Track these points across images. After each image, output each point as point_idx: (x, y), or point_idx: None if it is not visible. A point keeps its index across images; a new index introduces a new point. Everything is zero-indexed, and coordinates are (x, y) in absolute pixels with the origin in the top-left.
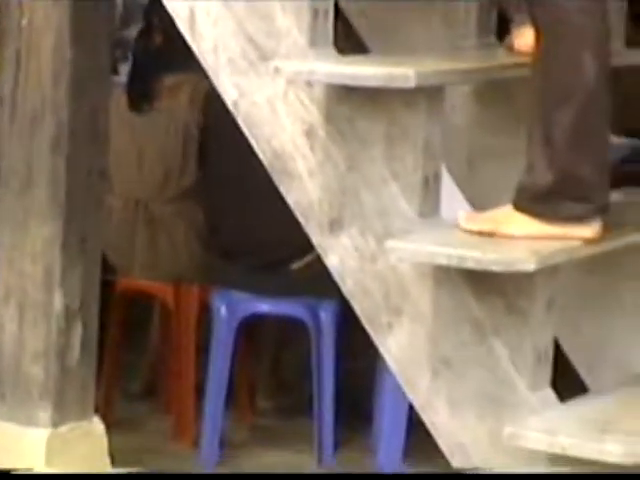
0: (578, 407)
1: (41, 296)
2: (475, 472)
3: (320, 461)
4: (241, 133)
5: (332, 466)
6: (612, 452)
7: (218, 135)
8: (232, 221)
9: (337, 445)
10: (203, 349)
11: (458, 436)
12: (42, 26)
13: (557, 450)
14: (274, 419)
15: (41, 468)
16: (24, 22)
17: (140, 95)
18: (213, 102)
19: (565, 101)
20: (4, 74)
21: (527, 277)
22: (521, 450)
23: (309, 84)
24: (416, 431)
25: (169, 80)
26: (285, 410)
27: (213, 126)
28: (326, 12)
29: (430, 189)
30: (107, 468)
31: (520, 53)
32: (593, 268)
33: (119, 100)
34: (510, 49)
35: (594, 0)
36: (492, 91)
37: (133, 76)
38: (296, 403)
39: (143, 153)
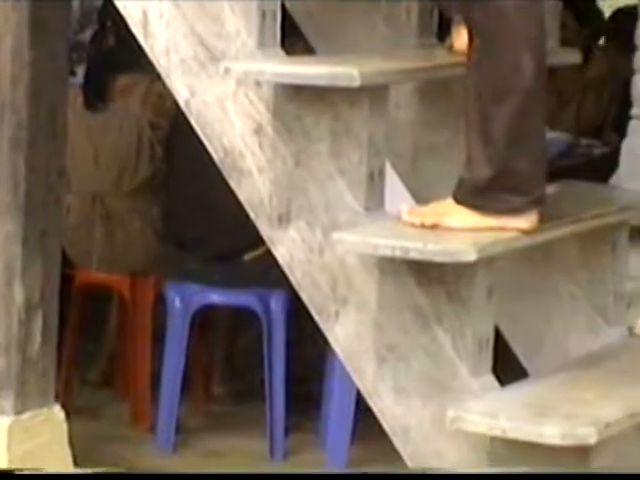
0: (518, 391)
1: (2, 289)
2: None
3: (271, 446)
4: (194, 131)
5: (282, 451)
6: (550, 434)
7: (174, 133)
8: (187, 214)
9: (288, 430)
10: (159, 338)
11: (403, 420)
12: (1, 28)
13: (497, 433)
14: (228, 405)
15: (3, 453)
16: None
17: (95, 95)
18: (166, 101)
19: (503, 99)
20: None
21: (468, 267)
22: (463, 433)
23: (258, 84)
24: (364, 415)
25: (123, 80)
26: (238, 396)
27: (169, 124)
28: (273, 14)
29: (375, 184)
30: (67, 454)
31: (459, 53)
32: (530, 258)
33: (75, 100)
34: (450, 49)
35: (532, 0)
36: (433, 89)
37: (88, 76)
38: (249, 389)
39: (99, 150)
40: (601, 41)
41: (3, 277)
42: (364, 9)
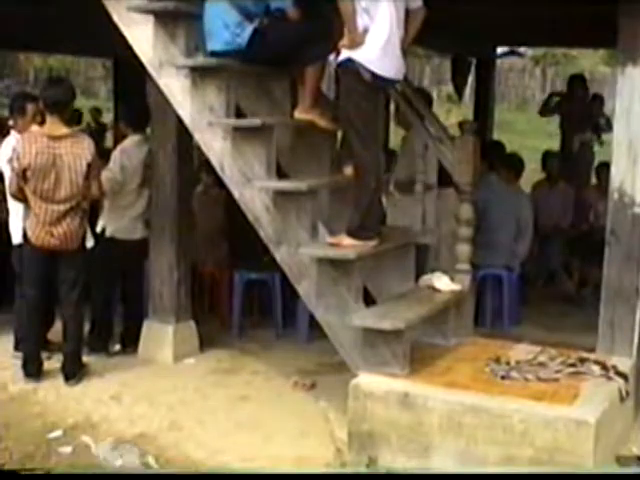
0: (373, 310)
1: (170, 275)
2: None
3: (276, 334)
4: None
5: (281, 335)
6: (385, 326)
7: (232, 209)
8: (241, 242)
9: (284, 328)
10: (232, 294)
11: (328, 321)
12: (163, 166)
13: (364, 325)
14: (259, 319)
15: (170, 342)
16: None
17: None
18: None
19: (363, 195)
20: None
21: (351, 261)
22: (354, 327)
23: (267, 190)
24: (314, 321)
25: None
26: (263, 315)
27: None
28: (272, 163)
29: (317, 230)
30: (196, 342)
31: (347, 176)
32: (376, 257)
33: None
34: (344, 175)
35: (373, 151)
36: (338, 192)
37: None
38: (266, 313)
39: (216, 217)
40: None
41: (169, 273)
42: (308, 159)
